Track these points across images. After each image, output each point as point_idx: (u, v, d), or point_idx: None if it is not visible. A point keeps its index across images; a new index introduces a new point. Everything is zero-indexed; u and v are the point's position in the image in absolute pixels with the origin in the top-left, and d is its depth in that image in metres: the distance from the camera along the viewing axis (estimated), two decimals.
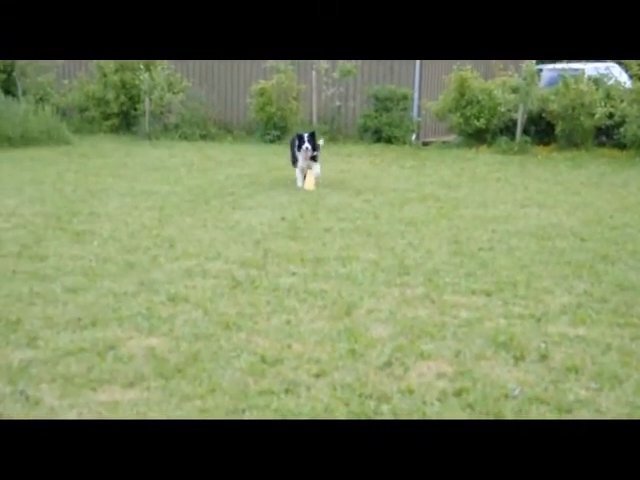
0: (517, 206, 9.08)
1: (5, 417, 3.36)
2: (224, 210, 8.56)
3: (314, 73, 16.86)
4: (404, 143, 16.67)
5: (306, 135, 10.53)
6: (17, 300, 5.04)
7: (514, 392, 3.67)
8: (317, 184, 10.37)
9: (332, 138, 16.90)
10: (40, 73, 18.42)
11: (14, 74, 18.49)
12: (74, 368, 3.92)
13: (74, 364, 3.97)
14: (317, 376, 3.85)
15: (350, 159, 14.05)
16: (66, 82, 19.03)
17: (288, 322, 4.68)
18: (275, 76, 16.88)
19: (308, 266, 6.04)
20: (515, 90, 15.84)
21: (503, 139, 15.65)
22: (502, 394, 3.65)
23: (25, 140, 14.89)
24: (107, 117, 18.40)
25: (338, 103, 17.65)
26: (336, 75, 16.85)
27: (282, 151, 14.41)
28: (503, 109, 15.74)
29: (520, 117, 15.54)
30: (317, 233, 7.34)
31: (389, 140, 16.83)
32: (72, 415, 3.39)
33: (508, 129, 16.00)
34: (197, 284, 5.51)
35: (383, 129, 16.91)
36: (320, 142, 10.86)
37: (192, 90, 18.10)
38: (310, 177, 10.35)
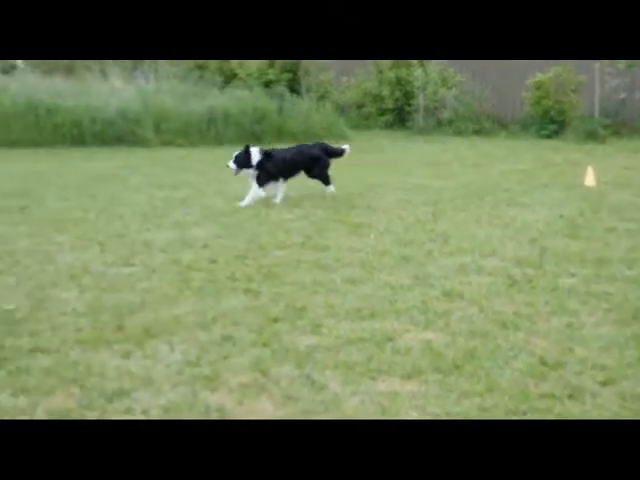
0: None
1: (293, 400, 3.55)
2: (498, 206, 8.40)
3: (597, 64, 15.99)
4: None
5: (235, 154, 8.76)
6: (301, 288, 5.31)
7: None
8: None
9: (615, 132, 15.94)
10: (321, 71, 19.32)
11: (299, 73, 19.56)
12: (355, 356, 4.05)
13: (355, 353, 4.11)
14: (603, 384, 3.64)
15: (636, 155, 13.15)
16: (345, 79, 19.80)
17: (569, 324, 4.48)
18: (552, 68, 16.28)
19: (589, 267, 5.73)
20: None
21: None
22: None
23: (307, 135, 15.77)
24: (382, 113, 18.90)
25: (623, 95, 16.59)
26: (621, 66, 15.83)
27: (559, 147, 13.90)
28: None
29: None
30: (599, 233, 6.95)
31: None
32: (354, 402, 3.51)
33: None
34: (472, 280, 5.45)
35: None
36: (346, 147, 9.42)
37: (465, 84, 18.02)
38: (589, 172, 9.83)
